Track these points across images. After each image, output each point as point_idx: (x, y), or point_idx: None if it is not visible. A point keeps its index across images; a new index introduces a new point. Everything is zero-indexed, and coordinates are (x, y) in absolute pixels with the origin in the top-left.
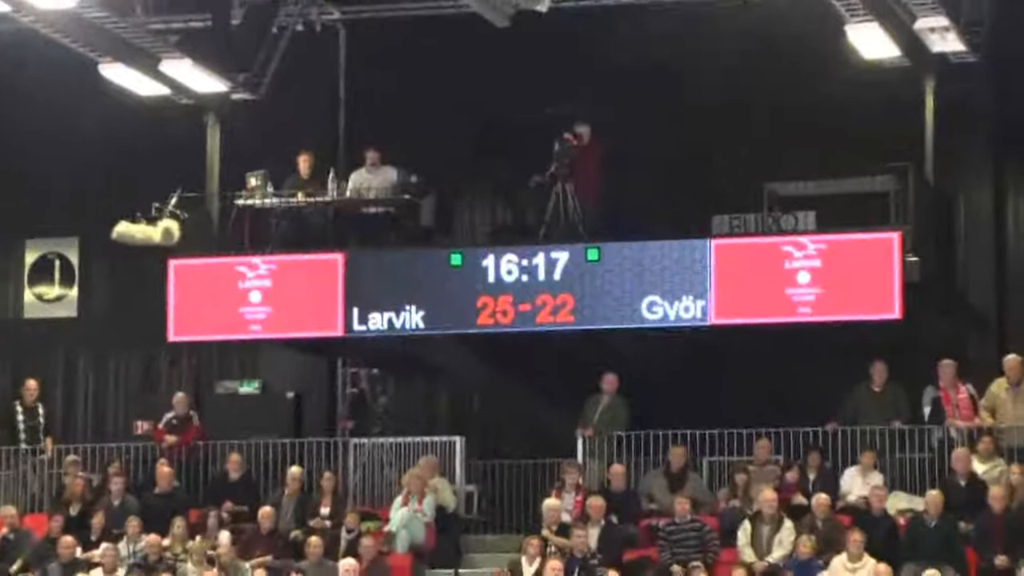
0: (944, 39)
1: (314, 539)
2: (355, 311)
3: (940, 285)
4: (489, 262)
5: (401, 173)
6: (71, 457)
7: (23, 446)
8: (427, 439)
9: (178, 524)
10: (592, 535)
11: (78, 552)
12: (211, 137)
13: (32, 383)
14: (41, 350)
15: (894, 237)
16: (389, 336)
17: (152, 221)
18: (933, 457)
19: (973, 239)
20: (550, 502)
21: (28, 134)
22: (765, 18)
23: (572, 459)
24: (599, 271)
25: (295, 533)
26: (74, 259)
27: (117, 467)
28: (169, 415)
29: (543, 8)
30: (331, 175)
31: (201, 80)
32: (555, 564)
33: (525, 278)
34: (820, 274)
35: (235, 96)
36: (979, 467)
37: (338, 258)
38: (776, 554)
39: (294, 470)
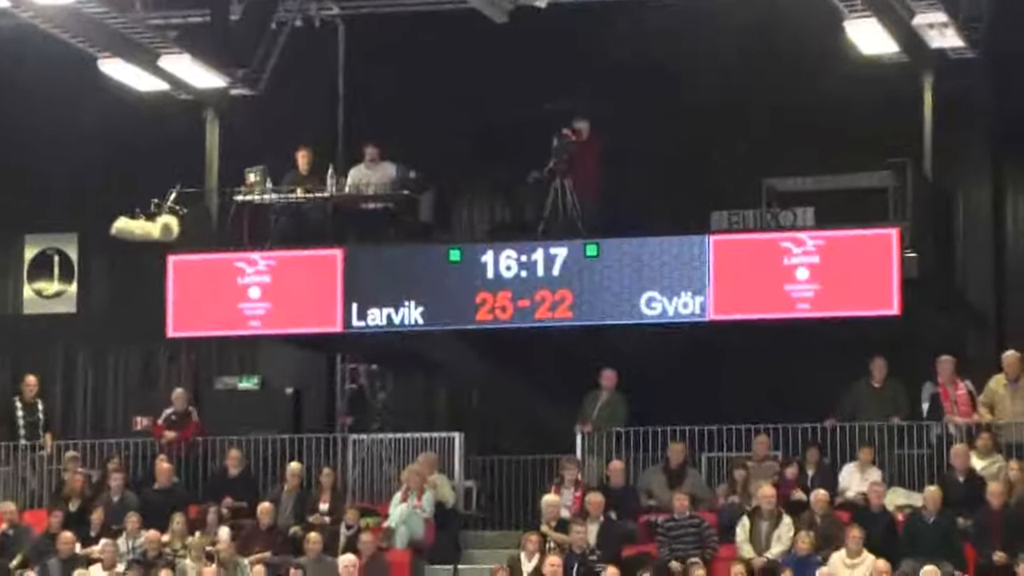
0: (943, 35)
1: (313, 535)
2: (354, 307)
3: (939, 281)
4: (488, 258)
5: (400, 169)
6: (70, 453)
7: (22, 442)
8: (426, 435)
9: (177, 520)
10: (591, 531)
11: (77, 548)
12: (210, 133)
13: (31, 379)
14: (40, 346)
15: (893, 233)
16: (388, 332)
17: (151, 217)
18: (932, 453)
19: (972, 235)
20: (549, 498)
21: (27, 130)
22: (764, 14)
23: (571, 455)
24: (598, 267)
25: (294, 529)
26: (73, 255)
27: (116, 463)
28: (168, 411)
29: (542, 4)
30: (330, 171)
31: (200, 76)
32: (554, 560)
33: (524, 274)
34: (819, 270)
35: (234, 92)
36: (978, 463)
37: (337, 254)
38: (775, 550)
39: (293, 466)
